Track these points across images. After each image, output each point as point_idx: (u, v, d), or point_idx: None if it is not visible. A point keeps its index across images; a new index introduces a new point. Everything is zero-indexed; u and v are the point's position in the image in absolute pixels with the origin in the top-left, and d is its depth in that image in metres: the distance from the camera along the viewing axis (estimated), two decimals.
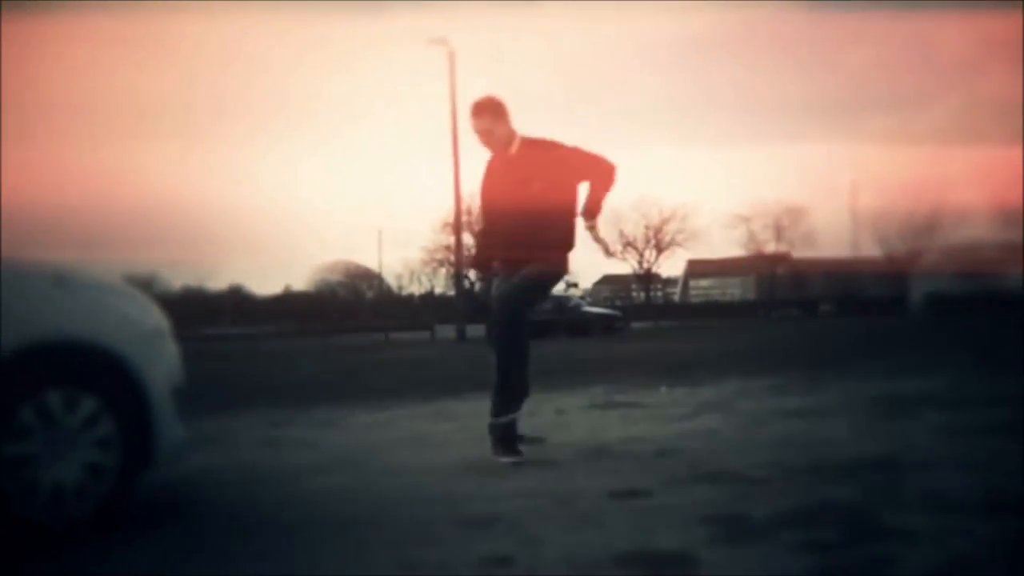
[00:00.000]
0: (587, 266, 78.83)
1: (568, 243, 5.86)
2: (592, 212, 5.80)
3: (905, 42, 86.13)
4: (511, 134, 5.79)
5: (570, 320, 32.39)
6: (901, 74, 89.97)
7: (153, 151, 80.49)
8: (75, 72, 73.71)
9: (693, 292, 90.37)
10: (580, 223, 5.84)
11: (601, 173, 5.80)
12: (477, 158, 5.95)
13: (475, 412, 8.49)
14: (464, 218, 48.77)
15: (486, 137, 5.78)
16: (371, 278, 77.29)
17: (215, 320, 53.86)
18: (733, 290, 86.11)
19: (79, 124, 63.45)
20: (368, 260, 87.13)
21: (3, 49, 32.31)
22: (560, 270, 5.94)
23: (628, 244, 72.90)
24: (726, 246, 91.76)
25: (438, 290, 72.68)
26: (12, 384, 3.82)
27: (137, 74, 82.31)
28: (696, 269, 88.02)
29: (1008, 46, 76.39)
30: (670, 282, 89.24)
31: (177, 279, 63.68)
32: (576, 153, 5.78)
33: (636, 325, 41.93)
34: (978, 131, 76.38)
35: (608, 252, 6.14)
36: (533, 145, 5.78)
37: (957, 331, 23.37)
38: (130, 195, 62.13)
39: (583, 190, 5.82)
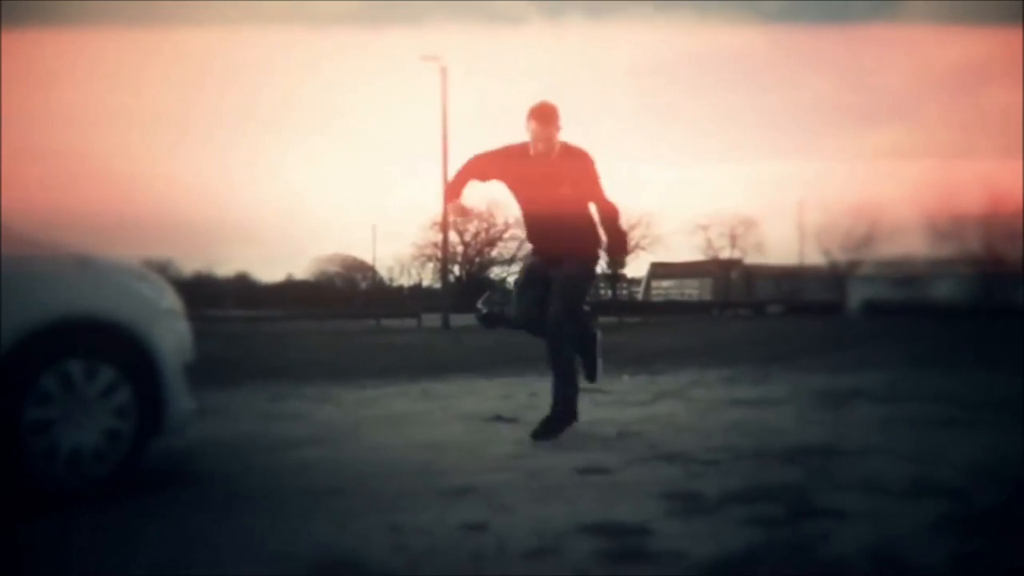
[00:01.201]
0: None
1: (594, 244, 5.72)
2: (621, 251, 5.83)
3: (851, 71, 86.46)
4: (558, 139, 5.54)
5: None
6: (846, 100, 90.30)
7: (173, 155, 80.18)
8: (99, 84, 73.43)
9: (655, 292, 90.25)
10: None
11: (612, 214, 5.66)
12: (464, 161, 5.81)
13: (455, 392, 8.49)
14: (450, 218, 48.74)
15: (547, 143, 5.45)
16: (365, 270, 77.06)
17: (223, 303, 53.59)
18: (691, 291, 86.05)
19: (104, 131, 63.19)
20: (363, 253, 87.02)
21: (39, 61, 31.85)
22: (592, 269, 5.84)
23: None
24: (686, 251, 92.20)
25: (425, 282, 72.57)
26: (36, 354, 3.80)
27: (158, 87, 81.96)
28: (658, 271, 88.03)
29: (944, 74, 76.74)
30: (635, 282, 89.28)
31: (189, 265, 63.30)
32: (595, 180, 5.60)
33: (603, 320, 41.91)
34: (913, 153, 76.70)
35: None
36: (569, 151, 5.53)
37: (890, 332, 23.50)
38: (150, 193, 61.79)
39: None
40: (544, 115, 5.42)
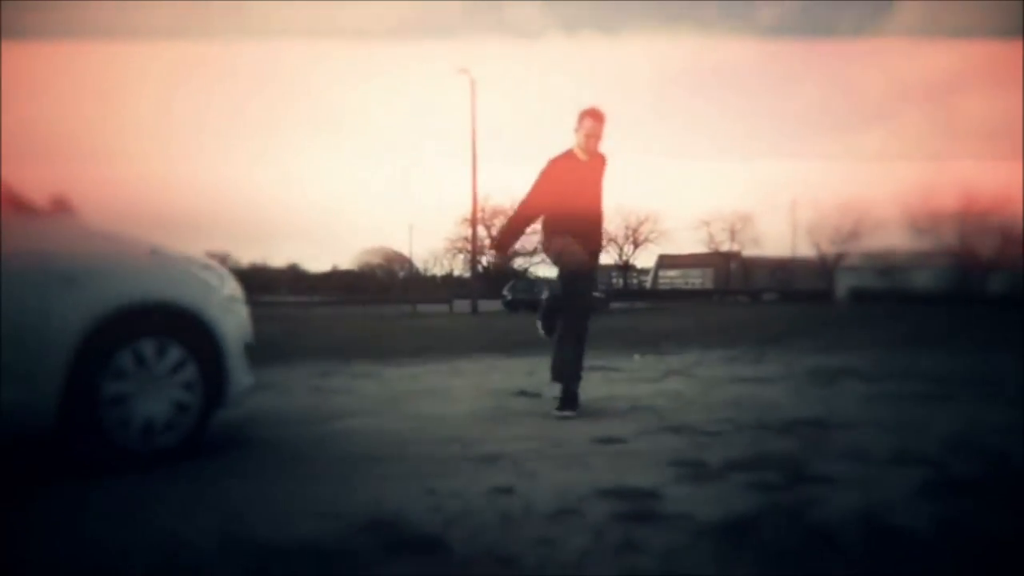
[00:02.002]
0: None
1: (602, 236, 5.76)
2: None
3: (838, 80, 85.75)
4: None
5: None
6: (834, 106, 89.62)
7: (232, 161, 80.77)
8: (166, 93, 73.90)
9: (662, 280, 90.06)
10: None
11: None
12: (492, 165, 5.94)
13: (484, 370, 8.49)
14: (479, 214, 48.76)
15: (596, 141, 5.51)
16: (403, 261, 77.18)
17: (276, 290, 53.85)
18: (694, 280, 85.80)
19: (173, 137, 63.58)
20: (401, 246, 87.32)
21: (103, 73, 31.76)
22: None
23: (611, 240, 73.06)
24: (690, 244, 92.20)
25: (456, 272, 72.74)
26: (113, 335, 3.82)
27: (221, 97, 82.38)
28: (665, 262, 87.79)
29: (922, 84, 76.03)
30: (644, 272, 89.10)
31: (246, 256, 63.70)
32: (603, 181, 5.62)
33: (615, 305, 41.87)
34: (894, 155, 76.12)
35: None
36: (599, 155, 5.57)
37: (873, 318, 23.32)
38: (212, 193, 62.20)
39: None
40: (599, 115, 5.50)
